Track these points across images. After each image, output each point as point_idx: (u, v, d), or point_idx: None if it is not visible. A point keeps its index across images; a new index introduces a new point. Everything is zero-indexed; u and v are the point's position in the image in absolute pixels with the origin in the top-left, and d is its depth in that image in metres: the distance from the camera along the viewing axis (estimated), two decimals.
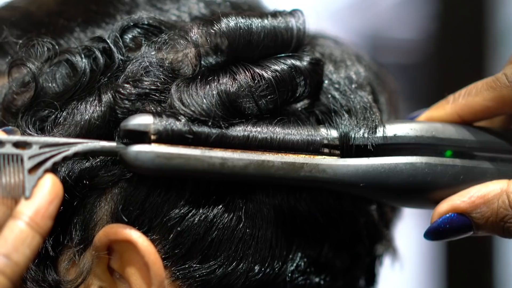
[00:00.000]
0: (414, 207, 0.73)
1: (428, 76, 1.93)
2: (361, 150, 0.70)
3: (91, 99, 0.69)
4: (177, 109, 0.67)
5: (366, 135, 0.70)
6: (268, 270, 0.71)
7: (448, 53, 1.90)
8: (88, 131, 0.68)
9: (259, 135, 0.69)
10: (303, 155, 0.69)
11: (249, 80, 0.69)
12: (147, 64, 0.69)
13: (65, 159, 0.66)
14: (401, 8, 2.04)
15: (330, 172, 0.69)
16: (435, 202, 0.70)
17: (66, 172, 0.68)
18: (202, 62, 0.70)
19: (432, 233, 0.70)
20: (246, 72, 0.69)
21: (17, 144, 0.66)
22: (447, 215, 0.69)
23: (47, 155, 0.66)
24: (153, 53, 0.70)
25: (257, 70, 0.69)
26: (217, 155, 0.67)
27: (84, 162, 0.69)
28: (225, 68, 0.70)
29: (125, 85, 0.68)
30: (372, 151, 0.70)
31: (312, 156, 0.69)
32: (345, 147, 0.70)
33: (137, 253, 0.67)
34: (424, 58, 1.96)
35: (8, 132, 0.67)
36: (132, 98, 0.68)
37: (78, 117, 0.69)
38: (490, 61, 1.85)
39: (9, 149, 0.65)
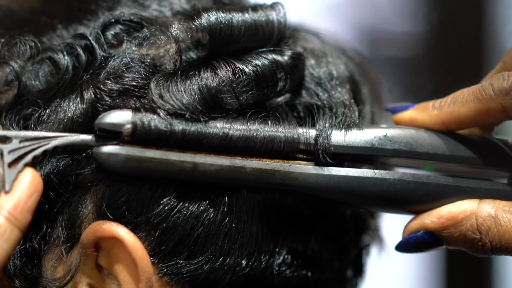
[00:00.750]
0: (392, 213, 0.74)
1: (427, 69, 1.93)
2: (337, 156, 0.70)
3: (74, 96, 0.69)
4: (156, 103, 0.68)
5: (342, 142, 0.69)
6: (255, 264, 0.71)
7: (446, 46, 1.90)
8: (71, 128, 0.68)
9: (236, 133, 0.68)
10: (277, 161, 0.69)
11: (230, 75, 0.69)
12: (129, 60, 0.69)
13: (45, 152, 0.67)
14: (400, 1, 2.04)
15: (302, 180, 0.69)
16: (410, 212, 0.71)
17: (51, 169, 0.68)
18: (183, 57, 0.70)
19: (403, 247, 0.71)
20: (227, 66, 0.69)
21: None
22: (418, 232, 0.70)
23: (27, 149, 0.66)
24: (134, 49, 0.70)
25: (238, 65, 0.69)
26: (188, 159, 0.68)
27: (69, 159, 0.69)
28: (206, 62, 0.70)
29: (106, 81, 0.69)
30: (347, 159, 0.70)
31: (285, 162, 0.69)
32: (321, 153, 0.69)
33: (124, 250, 0.68)
34: (422, 51, 1.96)
35: None
36: (113, 95, 0.68)
37: (61, 115, 0.69)
38: (488, 54, 1.85)
39: None
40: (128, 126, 0.67)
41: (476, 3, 1.89)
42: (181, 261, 0.70)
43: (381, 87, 0.83)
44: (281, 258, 0.72)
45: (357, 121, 0.71)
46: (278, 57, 0.71)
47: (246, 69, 0.69)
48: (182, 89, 0.68)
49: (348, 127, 0.70)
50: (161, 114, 0.67)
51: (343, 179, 0.69)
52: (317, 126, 0.70)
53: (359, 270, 0.78)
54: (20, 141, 0.66)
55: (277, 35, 0.71)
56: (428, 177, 0.70)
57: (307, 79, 0.73)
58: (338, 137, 0.70)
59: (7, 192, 0.64)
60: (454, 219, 0.69)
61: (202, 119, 0.68)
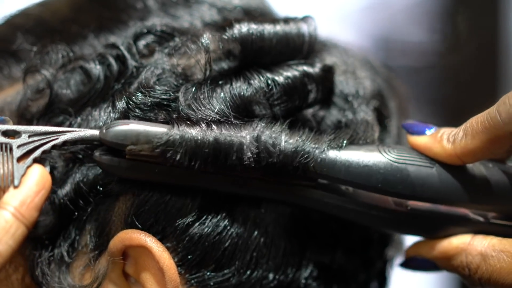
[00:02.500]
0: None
1: (440, 79, 1.93)
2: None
3: (105, 105, 0.70)
4: (187, 114, 0.68)
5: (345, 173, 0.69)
6: (282, 277, 0.71)
7: (460, 56, 1.90)
8: None
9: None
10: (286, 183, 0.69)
11: (264, 86, 0.70)
12: (160, 71, 0.70)
13: (54, 147, 0.67)
14: (413, 10, 2.04)
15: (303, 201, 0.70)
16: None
17: (80, 178, 0.69)
18: (214, 67, 0.70)
19: (405, 266, 0.74)
20: (261, 77, 0.70)
21: (6, 133, 0.66)
22: (417, 257, 0.72)
23: (36, 143, 0.66)
24: (165, 59, 0.71)
25: (271, 76, 0.70)
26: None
27: (98, 168, 0.69)
28: (238, 73, 0.70)
29: (137, 93, 0.69)
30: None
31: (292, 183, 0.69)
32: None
33: (152, 259, 0.68)
34: (436, 60, 1.96)
35: (0, 122, 0.67)
36: (144, 107, 0.69)
37: (92, 124, 0.69)
38: (502, 63, 1.85)
39: None
40: (132, 147, 0.67)
41: (490, 11, 1.89)
42: (208, 273, 0.70)
43: (408, 101, 0.83)
44: (308, 271, 0.72)
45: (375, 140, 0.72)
46: (309, 69, 0.71)
47: (279, 81, 0.70)
48: (213, 96, 0.69)
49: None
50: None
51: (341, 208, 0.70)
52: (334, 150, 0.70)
53: (383, 283, 0.78)
54: (29, 136, 0.66)
55: (307, 47, 0.72)
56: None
57: (336, 93, 0.73)
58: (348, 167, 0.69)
59: (16, 187, 0.65)
60: (446, 254, 0.70)
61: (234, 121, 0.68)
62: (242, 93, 0.69)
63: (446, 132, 0.70)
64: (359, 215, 0.70)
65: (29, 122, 0.71)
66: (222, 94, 0.69)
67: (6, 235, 0.64)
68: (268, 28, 0.70)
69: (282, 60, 0.71)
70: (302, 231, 0.72)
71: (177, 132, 0.66)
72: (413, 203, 0.70)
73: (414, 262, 0.72)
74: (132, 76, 0.70)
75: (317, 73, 0.71)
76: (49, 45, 0.72)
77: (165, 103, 0.69)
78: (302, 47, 0.72)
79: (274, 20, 0.72)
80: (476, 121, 0.68)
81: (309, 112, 0.72)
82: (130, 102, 0.69)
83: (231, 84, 0.69)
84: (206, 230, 0.69)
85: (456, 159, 0.69)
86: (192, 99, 0.68)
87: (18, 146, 0.66)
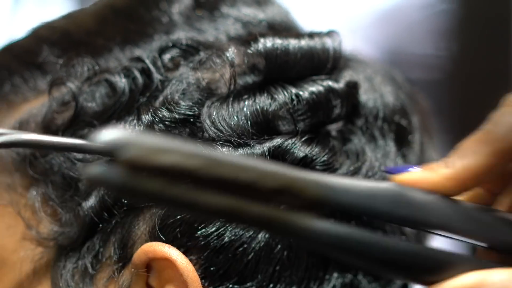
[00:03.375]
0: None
1: (451, 92, 1.94)
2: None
3: (130, 118, 0.70)
4: (207, 129, 0.69)
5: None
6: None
7: (471, 69, 1.91)
8: None
9: None
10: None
11: (288, 101, 0.70)
12: (185, 85, 0.70)
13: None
14: (424, 23, 2.05)
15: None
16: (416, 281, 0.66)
17: (105, 190, 0.69)
18: (239, 82, 0.71)
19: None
20: (285, 92, 0.70)
21: None
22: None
23: None
24: (190, 73, 0.71)
25: (295, 91, 0.70)
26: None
27: None
28: (261, 87, 0.71)
29: (163, 108, 0.70)
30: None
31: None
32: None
33: (176, 271, 0.68)
34: (447, 74, 1.96)
35: None
36: (169, 124, 0.70)
37: None
38: None
39: None
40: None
41: (502, 25, 1.90)
42: (231, 285, 0.70)
43: (430, 117, 0.84)
44: (331, 285, 0.72)
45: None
46: (334, 85, 0.71)
47: (303, 96, 0.70)
48: (234, 111, 0.69)
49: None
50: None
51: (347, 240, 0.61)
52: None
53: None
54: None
55: (332, 62, 0.72)
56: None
57: (359, 113, 0.74)
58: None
59: None
60: None
61: (250, 143, 0.68)
62: (265, 108, 0.69)
63: (440, 162, 0.63)
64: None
65: (54, 134, 0.72)
66: (244, 109, 0.69)
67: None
68: (293, 43, 0.71)
69: (307, 75, 0.72)
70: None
71: None
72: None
73: None
74: (157, 90, 0.71)
75: (342, 89, 0.72)
76: (75, 57, 0.73)
77: (190, 119, 0.70)
78: (327, 62, 0.72)
79: (299, 34, 0.72)
80: (471, 142, 0.62)
81: (333, 128, 0.72)
82: (156, 116, 0.69)
83: (255, 99, 0.70)
84: (229, 242, 0.69)
85: (457, 184, 0.62)
86: (216, 115, 0.69)
87: None
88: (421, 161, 0.77)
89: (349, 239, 0.60)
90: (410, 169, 0.63)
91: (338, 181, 0.60)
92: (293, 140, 0.69)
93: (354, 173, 0.72)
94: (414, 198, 0.61)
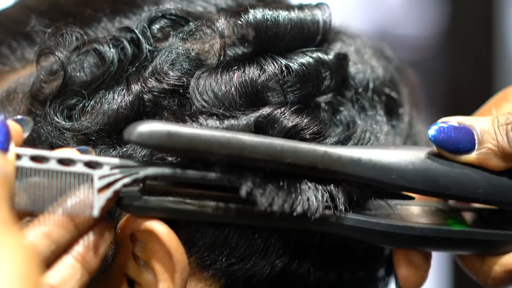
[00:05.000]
0: None
1: (437, 73, 1.94)
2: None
3: (119, 88, 0.70)
4: (195, 100, 0.68)
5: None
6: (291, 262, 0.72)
7: (456, 50, 1.91)
8: (116, 120, 0.69)
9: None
10: None
11: (278, 72, 0.70)
12: (174, 55, 0.70)
13: (135, 181, 0.67)
14: (409, 4, 2.05)
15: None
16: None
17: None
18: (228, 53, 0.70)
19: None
20: (274, 64, 0.70)
21: (88, 164, 0.66)
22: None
23: (117, 176, 0.66)
24: (179, 43, 0.71)
25: (285, 62, 0.70)
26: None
27: (111, 150, 0.69)
28: (251, 58, 0.70)
29: (152, 79, 0.69)
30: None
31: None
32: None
33: (159, 242, 0.68)
34: (432, 54, 1.97)
35: (82, 152, 0.67)
36: (158, 93, 0.69)
37: (105, 106, 0.70)
38: (498, 57, 1.86)
39: (80, 168, 0.66)
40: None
41: (486, 5, 1.90)
42: (219, 257, 0.70)
43: (419, 91, 0.84)
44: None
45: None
46: (323, 56, 0.71)
47: (293, 67, 0.70)
48: (222, 82, 0.69)
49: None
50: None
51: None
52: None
53: (390, 269, 0.79)
54: (111, 168, 0.66)
55: (321, 34, 0.72)
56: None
57: (347, 85, 0.74)
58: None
59: (94, 218, 0.66)
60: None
61: (237, 114, 0.68)
62: (254, 79, 0.69)
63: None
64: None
65: (42, 104, 0.71)
66: (233, 80, 0.69)
67: (71, 280, 0.65)
68: (283, 14, 0.71)
69: (296, 47, 0.72)
70: None
71: None
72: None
73: None
74: (146, 60, 0.71)
75: (332, 61, 0.72)
76: (63, 27, 0.72)
77: (179, 90, 0.70)
78: (316, 34, 0.72)
79: (289, 6, 0.72)
80: None
81: (323, 99, 0.72)
82: (145, 86, 0.69)
83: (244, 70, 0.69)
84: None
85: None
86: (204, 86, 0.69)
87: (100, 178, 0.66)
88: (410, 133, 0.78)
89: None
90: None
91: (362, 155, 0.67)
92: (282, 109, 0.69)
93: (345, 141, 0.72)
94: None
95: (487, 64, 1.86)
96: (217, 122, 0.68)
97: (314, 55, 0.71)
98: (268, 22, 0.70)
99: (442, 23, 1.97)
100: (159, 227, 0.68)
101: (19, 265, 0.57)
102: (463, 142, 0.69)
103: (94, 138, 0.70)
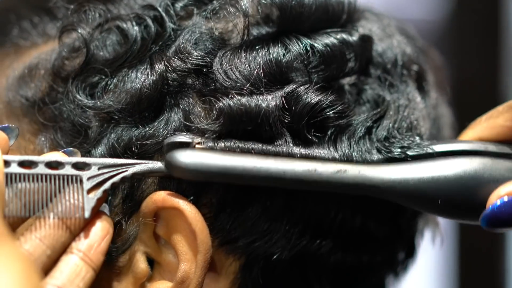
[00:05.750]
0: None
1: (442, 58, 1.94)
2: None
3: (143, 67, 0.69)
4: (219, 79, 0.68)
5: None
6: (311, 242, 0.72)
7: (461, 34, 1.90)
8: (139, 99, 0.69)
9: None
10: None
11: (302, 52, 0.69)
12: (198, 34, 0.70)
13: (123, 179, 0.67)
14: None
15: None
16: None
17: (115, 138, 0.69)
18: (252, 32, 0.70)
19: (489, 218, 0.67)
20: (299, 43, 0.69)
21: (76, 165, 0.66)
22: (506, 199, 0.67)
23: (106, 176, 0.67)
24: (203, 22, 0.70)
25: (310, 42, 0.70)
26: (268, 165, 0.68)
27: (133, 129, 0.69)
28: (276, 38, 0.70)
29: (175, 58, 0.69)
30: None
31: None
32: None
33: (184, 221, 0.68)
34: (438, 39, 1.96)
35: (68, 154, 0.67)
36: (182, 72, 0.69)
37: (128, 85, 0.69)
38: (505, 41, 1.86)
39: (68, 170, 0.66)
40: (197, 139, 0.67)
41: None
42: (240, 236, 0.70)
43: (443, 72, 0.84)
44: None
45: (415, 123, 0.72)
46: (348, 37, 0.71)
47: (317, 47, 0.70)
48: (247, 61, 0.68)
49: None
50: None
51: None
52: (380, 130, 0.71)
53: (411, 253, 0.78)
54: (99, 168, 0.67)
55: (346, 15, 0.72)
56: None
57: (374, 63, 0.73)
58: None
59: (86, 220, 0.66)
60: None
61: (263, 92, 0.68)
62: (279, 58, 0.69)
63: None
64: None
65: (64, 81, 0.71)
66: (257, 59, 0.69)
67: (77, 278, 0.65)
68: None
69: (321, 28, 0.71)
70: None
71: None
72: None
73: (501, 208, 0.66)
74: (169, 39, 0.70)
75: (356, 42, 0.71)
76: (86, 3, 0.72)
77: (203, 70, 0.69)
78: (341, 14, 0.72)
79: None
80: (503, 105, 0.70)
81: (347, 81, 0.72)
82: (169, 66, 0.69)
83: (268, 50, 0.69)
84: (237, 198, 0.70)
85: (478, 139, 0.71)
86: (228, 65, 0.68)
87: (88, 178, 0.66)
88: (436, 116, 0.77)
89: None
90: None
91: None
92: (306, 86, 0.69)
93: (378, 119, 0.71)
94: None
95: (492, 48, 1.85)
96: (246, 98, 0.68)
97: (339, 36, 0.71)
98: (293, 2, 0.69)
99: (447, 7, 1.96)
100: (186, 206, 0.68)
101: (18, 276, 0.58)
102: None
103: (116, 117, 0.69)
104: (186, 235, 0.68)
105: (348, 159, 0.69)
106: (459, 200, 0.69)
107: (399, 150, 0.70)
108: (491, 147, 0.70)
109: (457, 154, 0.69)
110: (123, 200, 0.69)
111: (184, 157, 0.67)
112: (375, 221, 0.73)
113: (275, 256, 0.71)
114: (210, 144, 0.67)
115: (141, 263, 0.69)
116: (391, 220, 0.74)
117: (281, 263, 0.71)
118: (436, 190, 0.68)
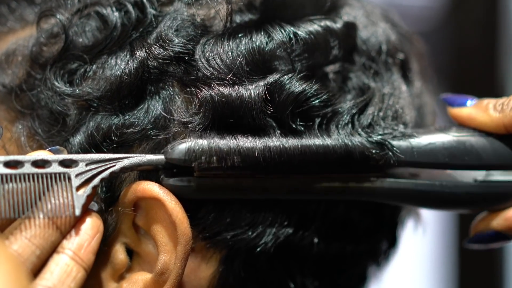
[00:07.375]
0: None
1: (442, 44, 1.92)
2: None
3: (123, 54, 0.68)
4: (201, 67, 0.67)
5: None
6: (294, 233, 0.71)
7: (461, 20, 1.89)
8: (119, 87, 0.67)
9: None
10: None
11: (286, 40, 0.68)
12: (179, 21, 0.68)
13: (112, 174, 0.66)
14: None
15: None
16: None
17: (94, 126, 0.68)
18: (235, 19, 0.69)
19: (473, 243, 0.73)
20: (282, 31, 0.68)
21: (63, 163, 0.65)
22: (486, 232, 0.72)
23: (94, 172, 0.66)
24: (185, 8, 0.69)
25: (293, 30, 0.68)
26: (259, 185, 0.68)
27: (113, 117, 0.68)
28: (258, 26, 0.68)
29: (156, 45, 0.68)
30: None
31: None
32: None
33: (164, 211, 0.67)
34: (437, 25, 1.95)
35: (54, 152, 0.66)
36: (163, 61, 0.68)
37: (108, 72, 0.68)
38: (504, 28, 1.84)
39: (55, 168, 0.65)
40: (203, 158, 0.66)
41: None
42: (222, 228, 0.69)
43: (426, 59, 0.82)
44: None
45: (400, 111, 0.72)
46: (332, 25, 0.70)
47: (301, 35, 0.68)
48: (229, 49, 0.67)
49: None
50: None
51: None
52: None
53: (393, 242, 0.78)
54: (87, 164, 0.66)
55: (330, 2, 0.71)
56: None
57: (359, 51, 0.72)
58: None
59: (76, 217, 0.65)
60: None
61: (245, 82, 0.67)
62: (262, 47, 0.68)
63: (492, 102, 0.70)
64: (430, 195, 0.70)
65: (42, 68, 0.69)
66: (239, 47, 0.67)
67: (68, 278, 0.64)
68: None
69: (304, 15, 0.70)
70: None
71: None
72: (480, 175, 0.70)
73: (482, 238, 0.72)
74: (150, 25, 0.69)
75: (340, 29, 0.70)
76: None
77: (185, 57, 0.68)
78: (325, 1, 0.71)
79: None
80: None
81: (331, 69, 0.71)
82: (150, 53, 0.67)
83: (251, 37, 0.68)
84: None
85: (502, 128, 0.70)
86: (210, 53, 0.67)
87: (76, 175, 0.65)
88: (418, 103, 0.76)
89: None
90: (468, 100, 0.71)
91: (399, 143, 0.69)
92: (290, 76, 0.68)
93: (364, 107, 0.70)
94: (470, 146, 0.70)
95: (492, 34, 1.84)
96: (228, 89, 0.66)
97: (323, 23, 0.69)
98: None
99: None
100: (166, 197, 0.66)
101: (6, 278, 0.57)
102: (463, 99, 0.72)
103: (95, 105, 0.68)
104: (166, 226, 0.67)
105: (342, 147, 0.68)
106: None
107: (379, 137, 0.69)
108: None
109: None
110: (102, 190, 0.68)
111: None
112: (358, 211, 0.72)
113: (258, 249, 0.70)
114: (193, 139, 0.67)
115: (120, 254, 0.68)
116: (374, 210, 0.73)
117: (263, 255, 0.70)
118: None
